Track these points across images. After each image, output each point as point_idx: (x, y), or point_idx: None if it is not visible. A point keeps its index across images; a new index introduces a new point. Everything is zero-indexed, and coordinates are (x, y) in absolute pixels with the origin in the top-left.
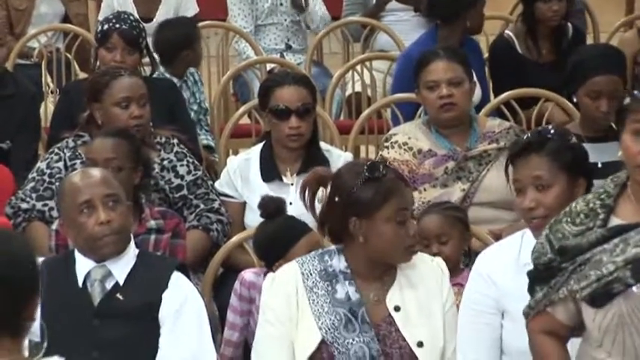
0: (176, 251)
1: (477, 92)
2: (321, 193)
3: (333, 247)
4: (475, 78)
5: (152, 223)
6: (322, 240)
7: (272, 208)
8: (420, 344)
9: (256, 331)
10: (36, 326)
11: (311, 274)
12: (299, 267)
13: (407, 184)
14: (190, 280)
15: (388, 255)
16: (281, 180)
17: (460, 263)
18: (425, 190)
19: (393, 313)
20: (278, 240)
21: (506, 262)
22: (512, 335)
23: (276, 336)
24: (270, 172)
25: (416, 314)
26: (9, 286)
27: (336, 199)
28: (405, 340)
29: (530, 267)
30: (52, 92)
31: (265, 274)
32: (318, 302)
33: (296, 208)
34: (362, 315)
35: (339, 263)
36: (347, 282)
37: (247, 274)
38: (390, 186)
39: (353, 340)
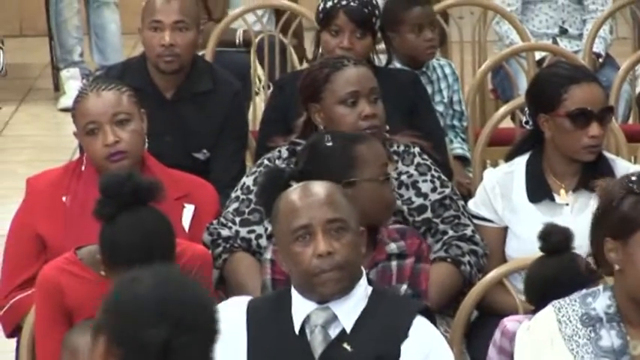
0: (419, 279)
1: None
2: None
3: (600, 285)
4: None
5: (393, 247)
6: None
7: (557, 240)
8: None
9: None
10: None
11: (570, 321)
12: (555, 313)
13: None
14: (437, 326)
15: None
16: (552, 200)
17: None
18: None
19: None
20: (561, 283)
21: None
22: None
23: None
24: (538, 189)
25: None
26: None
27: (597, 212)
28: None
29: None
30: (263, 87)
31: None
32: (578, 353)
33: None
34: None
35: (602, 303)
36: (609, 325)
37: (511, 324)
38: None
39: None
